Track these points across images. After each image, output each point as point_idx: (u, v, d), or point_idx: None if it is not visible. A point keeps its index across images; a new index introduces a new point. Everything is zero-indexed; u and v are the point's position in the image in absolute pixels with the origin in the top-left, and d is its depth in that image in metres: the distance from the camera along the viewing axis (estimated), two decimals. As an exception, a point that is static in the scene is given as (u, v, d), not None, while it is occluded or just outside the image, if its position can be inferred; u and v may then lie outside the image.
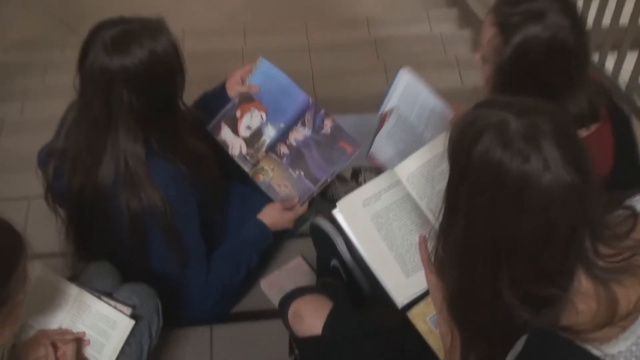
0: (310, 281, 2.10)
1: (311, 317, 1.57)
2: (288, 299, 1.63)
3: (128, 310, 1.59)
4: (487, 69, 1.61)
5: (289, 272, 2.15)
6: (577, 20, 1.53)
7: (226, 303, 1.98)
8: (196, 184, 1.69)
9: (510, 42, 1.51)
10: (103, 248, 1.75)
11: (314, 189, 1.96)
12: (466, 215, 1.05)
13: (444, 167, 1.39)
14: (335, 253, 2.02)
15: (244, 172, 2.00)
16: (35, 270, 1.58)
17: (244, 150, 2.02)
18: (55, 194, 1.74)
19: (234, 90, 2.03)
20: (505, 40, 1.53)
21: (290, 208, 1.95)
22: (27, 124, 2.92)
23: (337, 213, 1.47)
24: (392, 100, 1.96)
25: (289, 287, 1.99)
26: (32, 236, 2.21)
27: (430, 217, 1.47)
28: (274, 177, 1.99)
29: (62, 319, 1.58)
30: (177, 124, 1.68)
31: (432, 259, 1.32)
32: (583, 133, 1.56)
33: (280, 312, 1.65)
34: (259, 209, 1.99)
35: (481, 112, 1.05)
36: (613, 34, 2.64)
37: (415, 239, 1.43)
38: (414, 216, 1.48)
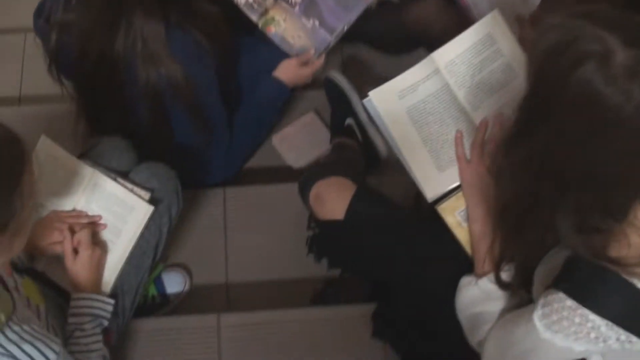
0: (323, 138, 2.05)
1: (333, 201, 1.54)
2: (309, 180, 1.59)
3: (147, 195, 1.54)
4: None
5: (302, 127, 2.09)
6: None
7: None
8: (212, 50, 1.61)
9: None
10: (118, 125, 1.69)
11: (331, 38, 1.83)
12: (547, 136, 1.01)
13: (486, 54, 1.39)
14: (350, 111, 1.96)
15: (251, 22, 1.85)
16: (43, 146, 1.52)
17: None
18: (62, 67, 1.64)
19: None
20: None
21: (306, 62, 1.84)
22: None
23: (370, 102, 1.40)
24: None
25: (302, 143, 2.04)
26: (30, 72, 2.17)
27: (469, 109, 1.41)
28: (286, 28, 1.84)
29: (76, 201, 1.53)
30: None
31: (471, 155, 1.35)
32: None
33: (300, 193, 1.62)
34: (270, 61, 1.89)
35: (582, 29, 0.95)
36: None
37: (452, 133, 1.39)
38: (451, 109, 1.41)
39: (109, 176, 1.52)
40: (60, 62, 1.62)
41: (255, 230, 1.86)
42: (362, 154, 1.90)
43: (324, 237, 1.61)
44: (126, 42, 1.50)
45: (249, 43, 1.90)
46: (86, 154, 1.61)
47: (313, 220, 1.62)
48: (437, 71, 1.42)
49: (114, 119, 1.69)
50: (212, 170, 1.83)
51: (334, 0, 1.83)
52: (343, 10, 1.82)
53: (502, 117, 1.35)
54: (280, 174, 2.01)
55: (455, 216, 1.38)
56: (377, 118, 1.42)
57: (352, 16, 1.82)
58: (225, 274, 1.82)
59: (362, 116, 1.93)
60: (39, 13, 1.67)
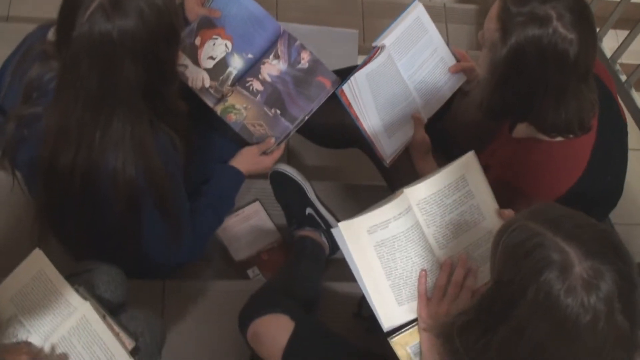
0: (266, 230, 2.16)
1: (271, 341, 1.62)
2: (247, 319, 1.67)
3: (131, 344, 1.53)
4: (483, 55, 1.65)
5: (246, 217, 2.17)
6: (587, 35, 1.52)
7: None
8: (181, 147, 1.62)
9: (506, 42, 1.53)
10: (80, 225, 1.66)
11: (291, 128, 1.90)
12: (508, 332, 1.12)
13: (458, 196, 1.52)
14: (307, 201, 2.08)
15: (208, 108, 1.89)
16: (36, 261, 1.51)
17: (207, 83, 1.90)
18: (17, 161, 1.60)
19: (193, 12, 1.87)
20: (503, 39, 1.54)
21: (266, 151, 1.90)
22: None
23: (338, 232, 1.46)
24: (391, 35, 1.88)
25: (244, 235, 2.13)
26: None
27: (435, 247, 1.52)
28: (247, 117, 1.90)
29: (56, 327, 1.50)
30: (174, 90, 1.57)
31: (432, 295, 1.45)
32: (557, 139, 1.64)
33: (239, 327, 1.69)
34: (222, 150, 1.94)
35: (545, 238, 1.10)
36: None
37: (416, 270, 1.48)
38: (418, 248, 1.50)
39: (98, 312, 1.51)
40: (16, 156, 1.58)
41: (193, 328, 1.89)
42: (327, 239, 2.05)
43: None
44: (104, 142, 1.46)
45: (201, 130, 1.91)
46: (77, 278, 1.57)
47: (254, 357, 1.70)
48: (409, 209, 1.51)
49: (77, 219, 1.64)
50: (175, 257, 1.80)
51: (296, 90, 1.91)
52: (305, 100, 1.90)
53: (466, 258, 1.48)
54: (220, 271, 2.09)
55: (407, 350, 1.48)
56: (342, 246, 1.48)
57: (314, 106, 1.90)
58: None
59: (319, 205, 2.07)
60: None
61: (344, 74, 1.86)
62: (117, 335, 1.50)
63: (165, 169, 1.54)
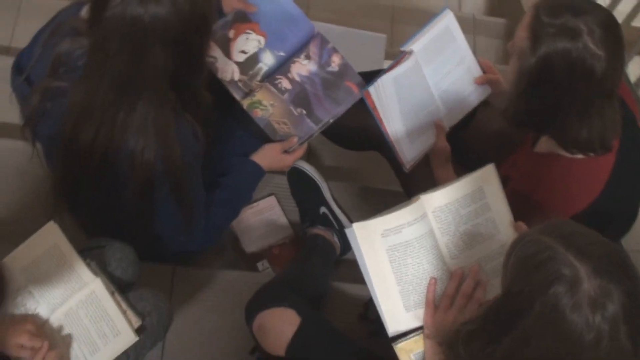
0: (279, 225, 2.19)
1: (276, 335, 1.65)
2: (254, 309, 1.70)
3: (137, 322, 1.58)
4: (512, 63, 1.67)
5: (260, 210, 2.20)
6: (615, 53, 1.54)
7: None
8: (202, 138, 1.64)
9: (536, 52, 1.56)
10: (96, 206, 1.70)
11: (315, 129, 1.93)
12: (513, 342, 1.14)
13: (474, 207, 1.53)
14: (323, 200, 2.11)
15: (234, 101, 1.91)
16: (50, 234, 1.56)
17: (237, 76, 1.92)
18: (39, 133, 1.63)
19: (229, 5, 1.91)
20: (532, 48, 1.57)
21: (288, 149, 1.92)
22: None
23: (352, 232, 1.48)
24: (420, 42, 1.90)
25: (257, 228, 2.15)
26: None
27: (447, 257, 1.53)
28: (273, 114, 1.92)
29: (65, 299, 1.54)
30: (202, 81, 1.59)
31: (440, 304, 1.45)
32: (578, 156, 1.65)
33: (245, 318, 1.72)
34: (242, 144, 1.97)
35: (557, 252, 1.12)
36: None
37: (426, 278, 1.49)
38: (430, 256, 1.51)
39: (108, 289, 1.55)
40: (38, 127, 1.60)
41: (199, 315, 1.93)
42: (339, 239, 2.07)
43: None
44: (126, 124, 1.49)
45: (224, 123, 1.94)
46: (89, 252, 1.62)
47: (258, 349, 1.72)
48: (424, 215, 1.53)
49: (92, 197, 1.68)
50: (188, 246, 1.84)
51: (324, 92, 1.93)
52: (332, 103, 1.93)
53: (477, 270, 1.50)
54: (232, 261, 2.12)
55: (411, 357, 1.50)
56: (355, 247, 1.50)
57: (340, 110, 1.93)
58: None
59: (334, 205, 2.10)
60: (18, 70, 1.66)
61: (369, 77, 1.88)
62: (124, 312, 1.54)
63: (183, 158, 1.56)
